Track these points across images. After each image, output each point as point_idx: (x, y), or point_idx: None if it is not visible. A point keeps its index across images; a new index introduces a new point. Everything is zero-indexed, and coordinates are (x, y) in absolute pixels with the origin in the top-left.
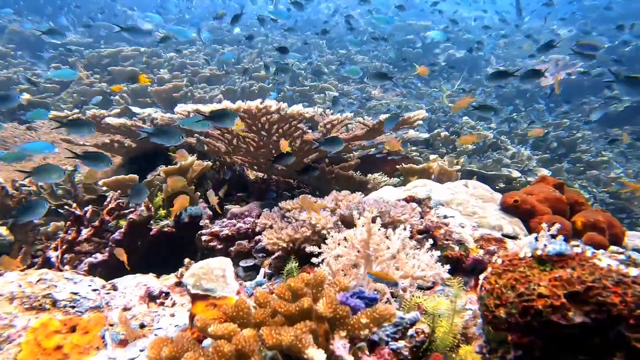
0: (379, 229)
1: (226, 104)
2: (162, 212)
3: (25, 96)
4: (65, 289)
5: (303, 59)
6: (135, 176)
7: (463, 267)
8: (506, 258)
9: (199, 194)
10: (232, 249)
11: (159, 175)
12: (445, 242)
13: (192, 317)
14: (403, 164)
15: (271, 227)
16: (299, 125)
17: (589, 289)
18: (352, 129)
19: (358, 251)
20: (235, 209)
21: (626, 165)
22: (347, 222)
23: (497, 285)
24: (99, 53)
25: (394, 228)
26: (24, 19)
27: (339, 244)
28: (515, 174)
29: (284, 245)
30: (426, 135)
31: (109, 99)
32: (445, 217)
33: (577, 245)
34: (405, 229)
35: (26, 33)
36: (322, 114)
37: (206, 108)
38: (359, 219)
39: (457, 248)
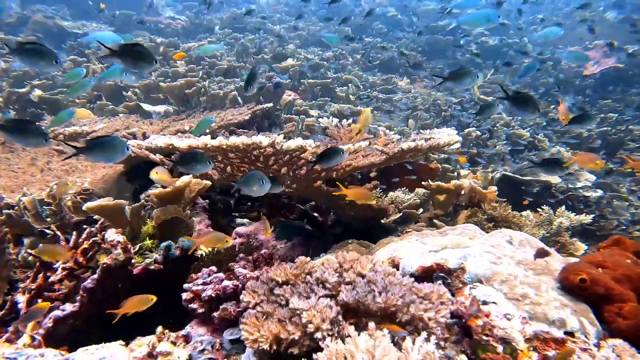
0: (390, 344)
1: (205, 141)
2: (148, 242)
3: (37, 92)
4: None
5: (326, 50)
6: (123, 202)
7: None
8: None
9: (195, 219)
10: (215, 314)
11: (150, 197)
12: (485, 338)
13: None
14: (430, 181)
15: (255, 307)
16: (302, 156)
17: None
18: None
19: None
20: (240, 228)
21: None
22: (353, 310)
23: None
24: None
25: (414, 329)
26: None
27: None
28: (555, 179)
29: (266, 347)
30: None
31: (121, 94)
32: (485, 302)
33: None
34: (428, 339)
35: (49, 24)
36: (337, 125)
37: (182, 143)
38: (358, 335)
39: (501, 348)
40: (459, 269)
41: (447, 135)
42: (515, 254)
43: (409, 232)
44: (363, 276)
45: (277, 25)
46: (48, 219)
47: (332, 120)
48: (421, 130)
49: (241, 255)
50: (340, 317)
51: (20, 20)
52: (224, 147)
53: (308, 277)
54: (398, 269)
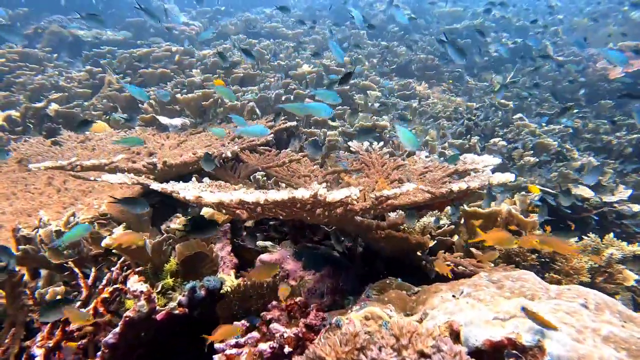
0: None
1: (240, 196)
2: (169, 281)
3: (54, 106)
4: None
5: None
6: (143, 239)
7: None
8: None
9: (219, 254)
10: None
11: (171, 228)
12: None
13: None
14: (465, 206)
15: None
16: (343, 200)
17: None
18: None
19: None
20: (265, 255)
21: None
22: None
23: None
24: (130, 54)
25: None
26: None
27: None
28: (587, 192)
29: None
30: (513, 177)
31: (137, 106)
32: None
33: None
34: None
35: (64, 33)
36: (368, 149)
37: (212, 197)
38: None
39: None
40: (535, 346)
41: (501, 175)
42: (597, 325)
43: (452, 267)
44: (426, 356)
45: (290, 30)
46: (65, 252)
47: (362, 144)
48: (463, 160)
49: (274, 303)
50: None
51: (37, 31)
52: (261, 202)
53: (362, 355)
54: (458, 338)
